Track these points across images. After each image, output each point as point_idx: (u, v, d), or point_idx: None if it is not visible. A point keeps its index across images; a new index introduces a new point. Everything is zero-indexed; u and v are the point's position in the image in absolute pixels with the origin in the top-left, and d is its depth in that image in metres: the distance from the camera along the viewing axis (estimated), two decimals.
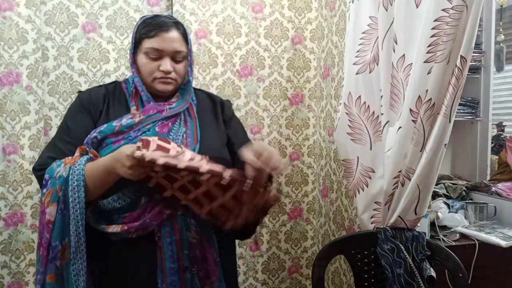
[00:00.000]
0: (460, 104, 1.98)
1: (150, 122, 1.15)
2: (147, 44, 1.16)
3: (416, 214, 1.45)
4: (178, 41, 1.18)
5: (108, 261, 1.13)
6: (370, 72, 1.54)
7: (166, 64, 1.16)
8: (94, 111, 1.19)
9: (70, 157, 1.10)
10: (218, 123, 1.29)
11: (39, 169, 1.12)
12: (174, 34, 1.17)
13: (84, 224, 1.04)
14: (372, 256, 1.48)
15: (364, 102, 1.56)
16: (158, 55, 1.16)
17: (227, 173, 1.00)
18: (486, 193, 2.03)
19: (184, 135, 1.18)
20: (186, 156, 1.01)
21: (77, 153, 1.11)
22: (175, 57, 1.18)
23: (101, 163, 1.06)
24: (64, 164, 1.07)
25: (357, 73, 1.57)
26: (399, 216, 1.46)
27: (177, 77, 1.20)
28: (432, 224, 1.76)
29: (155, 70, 1.17)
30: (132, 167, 0.98)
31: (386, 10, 1.45)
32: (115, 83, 1.28)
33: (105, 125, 1.14)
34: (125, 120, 1.14)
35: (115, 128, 1.13)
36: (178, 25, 1.20)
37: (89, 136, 1.13)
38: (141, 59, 1.18)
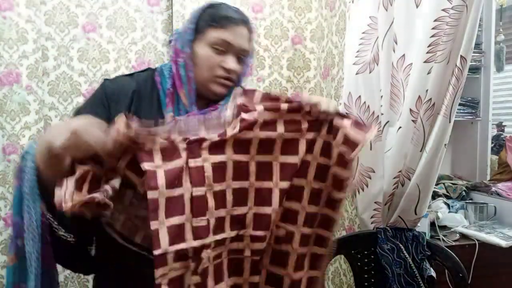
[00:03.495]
0: (460, 104, 1.98)
1: None
2: (216, 33, 1.00)
3: (416, 214, 1.45)
4: (246, 39, 1.04)
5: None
6: (370, 72, 1.54)
7: (231, 62, 1.02)
8: (115, 109, 0.98)
9: None
10: None
11: None
12: (244, 30, 1.03)
13: (38, 199, 0.83)
14: (372, 256, 1.48)
15: (364, 102, 1.56)
16: (224, 49, 1.01)
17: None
18: (486, 193, 2.03)
19: None
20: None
21: None
22: (239, 55, 1.04)
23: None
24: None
25: (357, 73, 1.57)
26: (399, 216, 1.46)
27: (235, 77, 1.05)
28: (432, 224, 1.76)
29: (216, 66, 1.01)
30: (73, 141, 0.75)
31: (386, 10, 1.45)
32: (148, 73, 1.09)
33: None
34: None
35: None
36: (248, 23, 1.06)
37: None
38: (203, 49, 1.01)
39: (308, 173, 0.97)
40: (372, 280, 1.49)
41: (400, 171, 1.43)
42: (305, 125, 0.95)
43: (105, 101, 1.01)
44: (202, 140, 0.88)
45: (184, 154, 0.86)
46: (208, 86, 1.03)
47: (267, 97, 0.94)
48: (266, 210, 0.94)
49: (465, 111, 2.18)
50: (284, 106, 0.93)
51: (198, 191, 0.87)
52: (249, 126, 0.91)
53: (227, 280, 0.94)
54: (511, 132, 2.50)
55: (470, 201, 2.03)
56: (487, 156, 2.24)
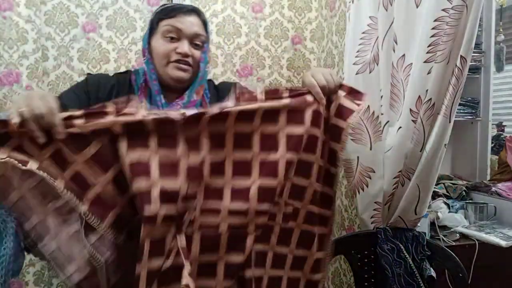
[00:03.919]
0: (460, 104, 1.97)
1: None
2: (166, 23, 1.08)
3: (416, 214, 1.44)
4: (198, 26, 1.12)
5: None
6: (370, 72, 1.54)
7: (184, 46, 1.08)
8: (95, 97, 1.07)
9: None
10: None
11: None
12: (194, 18, 1.11)
13: None
14: (372, 256, 1.48)
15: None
16: (176, 35, 1.08)
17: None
18: (486, 193, 2.02)
19: None
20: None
21: None
22: (193, 40, 1.10)
23: None
24: None
25: (357, 73, 1.57)
26: (399, 216, 1.46)
27: (194, 63, 1.11)
28: (432, 224, 1.75)
29: (171, 52, 1.08)
30: None
31: (386, 10, 1.45)
32: (126, 74, 1.18)
33: None
34: None
35: None
36: (198, 12, 1.15)
37: None
38: (157, 41, 1.09)
39: (316, 148, 0.96)
40: (372, 280, 1.49)
41: (400, 171, 1.43)
42: (310, 98, 0.96)
43: (86, 89, 1.09)
44: (202, 114, 0.89)
45: (179, 125, 0.87)
46: (167, 73, 1.09)
47: (268, 91, 0.95)
48: (272, 182, 0.92)
49: (465, 111, 2.18)
50: (286, 101, 0.93)
51: (192, 160, 0.88)
52: (250, 99, 0.91)
53: (226, 255, 0.90)
54: (511, 132, 2.50)
55: (470, 201, 2.02)
56: (487, 156, 2.24)
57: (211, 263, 0.90)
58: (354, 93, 1.00)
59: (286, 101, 0.93)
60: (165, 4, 1.17)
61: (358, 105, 0.97)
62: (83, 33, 1.94)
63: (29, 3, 1.79)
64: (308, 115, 0.95)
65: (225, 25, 2.10)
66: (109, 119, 0.83)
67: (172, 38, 1.08)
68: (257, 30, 2.14)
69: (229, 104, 0.90)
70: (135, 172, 0.83)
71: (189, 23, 1.09)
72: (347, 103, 0.98)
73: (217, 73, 2.11)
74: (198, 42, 1.11)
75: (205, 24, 1.15)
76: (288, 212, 0.96)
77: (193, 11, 1.13)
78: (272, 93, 0.93)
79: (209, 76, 2.08)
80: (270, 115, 0.92)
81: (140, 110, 0.85)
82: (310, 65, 2.23)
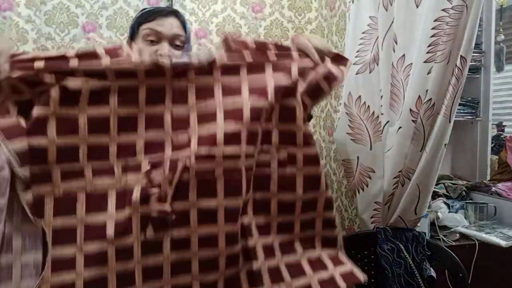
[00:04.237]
0: (460, 104, 1.97)
1: None
2: (145, 27, 1.12)
3: (416, 214, 1.45)
4: (177, 27, 1.14)
5: None
6: (370, 72, 1.54)
7: (164, 48, 1.11)
8: None
9: None
10: None
11: None
12: (173, 20, 1.14)
13: None
14: (372, 256, 1.48)
15: (364, 102, 1.56)
16: (156, 38, 1.11)
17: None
18: (486, 193, 2.02)
19: None
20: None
21: None
22: (173, 42, 1.13)
23: None
24: None
25: (357, 73, 1.57)
26: (399, 216, 1.46)
27: None
28: (432, 224, 1.75)
29: (152, 55, 1.09)
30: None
31: (386, 10, 1.45)
32: None
33: None
34: None
35: None
36: (177, 13, 1.17)
37: None
38: (138, 45, 1.12)
39: (297, 93, 0.98)
40: (372, 280, 1.49)
41: (400, 171, 1.43)
42: (296, 55, 0.98)
43: None
44: (190, 64, 0.92)
45: (168, 75, 0.90)
46: None
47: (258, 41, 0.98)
48: (255, 126, 0.94)
49: (465, 111, 2.18)
50: (273, 57, 0.96)
51: (179, 110, 0.91)
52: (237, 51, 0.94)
53: (223, 199, 0.92)
54: (511, 132, 2.49)
55: (470, 201, 2.02)
56: (487, 156, 2.24)
57: (210, 210, 0.91)
58: (339, 59, 1.02)
59: (273, 56, 0.96)
60: (144, 8, 1.21)
61: (343, 71, 1.01)
62: (83, 33, 1.94)
63: (29, 3, 1.79)
64: (295, 68, 0.97)
65: (225, 25, 2.10)
66: (104, 61, 0.85)
67: (152, 41, 1.12)
68: (257, 30, 2.14)
69: (217, 57, 0.93)
70: (122, 127, 0.87)
71: (169, 25, 1.13)
72: (334, 69, 1.01)
73: None
74: (178, 43, 1.14)
75: (184, 24, 1.18)
76: (282, 158, 0.98)
77: (172, 13, 1.16)
78: (262, 45, 0.96)
79: None
80: (256, 66, 0.95)
81: (132, 53, 0.88)
82: None
